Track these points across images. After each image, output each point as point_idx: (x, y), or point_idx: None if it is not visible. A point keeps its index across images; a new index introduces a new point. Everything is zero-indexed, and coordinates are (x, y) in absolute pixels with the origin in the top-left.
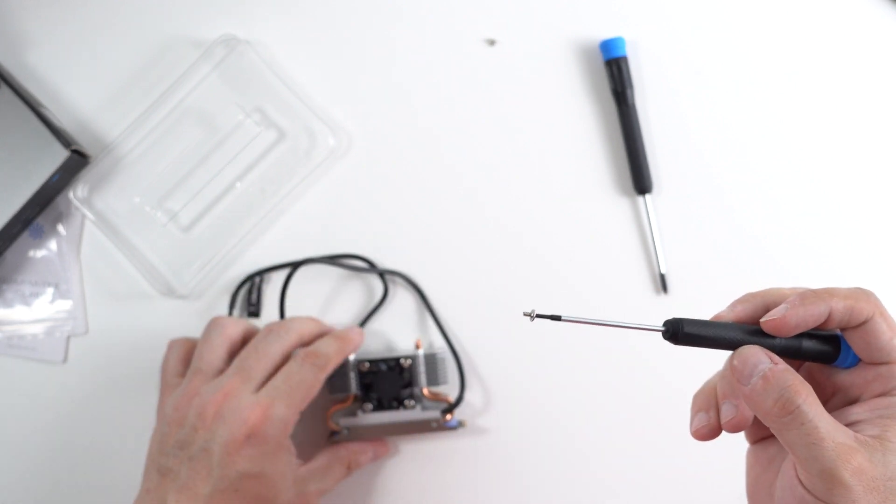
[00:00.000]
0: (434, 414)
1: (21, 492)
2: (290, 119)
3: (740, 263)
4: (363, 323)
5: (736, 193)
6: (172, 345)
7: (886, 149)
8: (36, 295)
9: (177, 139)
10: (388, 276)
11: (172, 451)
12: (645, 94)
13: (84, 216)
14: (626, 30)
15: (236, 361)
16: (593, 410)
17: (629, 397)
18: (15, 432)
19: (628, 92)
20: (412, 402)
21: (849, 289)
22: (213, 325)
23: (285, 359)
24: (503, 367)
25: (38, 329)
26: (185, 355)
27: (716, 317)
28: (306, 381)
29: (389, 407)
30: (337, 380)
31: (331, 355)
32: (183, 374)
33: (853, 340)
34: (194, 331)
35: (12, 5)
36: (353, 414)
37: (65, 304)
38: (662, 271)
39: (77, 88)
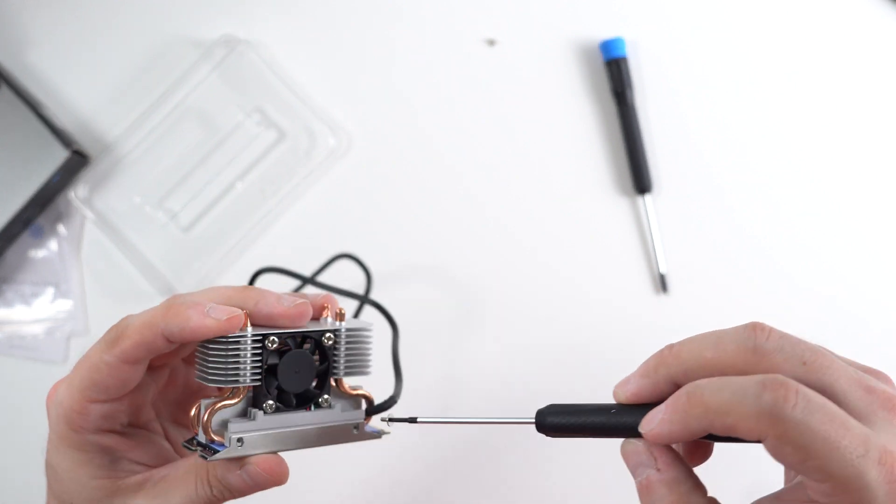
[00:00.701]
0: (356, 416)
1: (21, 491)
2: (290, 119)
3: (740, 263)
4: None
5: (736, 193)
6: None
7: (886, 149)
8: (36, 295)
9: (177, 139)
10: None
11: None
12: (645, 94)
13: (84, 216)
14: (626, 30)
15: None
16: None
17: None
18: (15, 432)
19: (628, 92)
20: (328, 400)
21: (729, 394)
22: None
23: None
24: (497, 367)
25: (38, 329)
26: None
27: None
28: (89, 358)
29: (299, 406)
30: (214, 358)
31: (127, 329)
32: None
33: None
34: None
35: (12, 5)
36: (247, 415)
37: (65, 304)
38: (662, 271)
39: (77, 88)
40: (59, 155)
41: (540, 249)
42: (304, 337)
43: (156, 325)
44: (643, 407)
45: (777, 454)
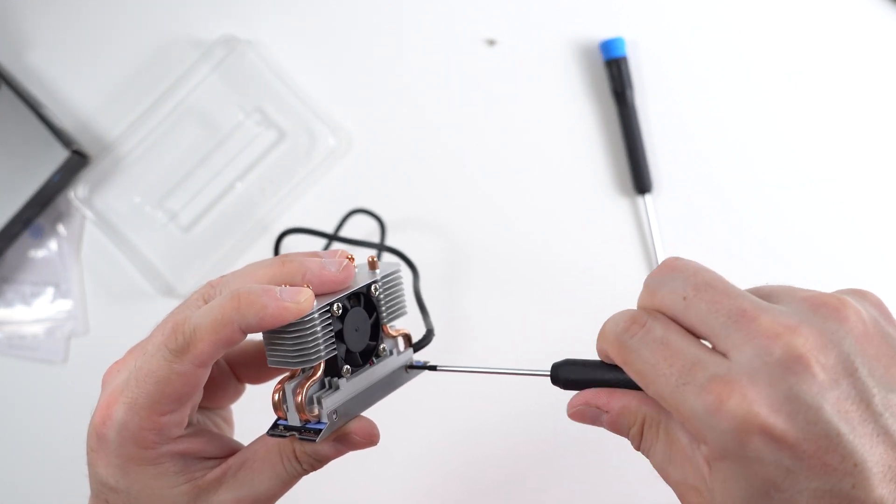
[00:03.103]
0: (407, 355)
1: (21, 491)
2: (290, 119)
3: (741, 263)
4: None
5: (736, 193)
6: None
7: (885, 148)
8: (36, 295)
9: (177, 139)
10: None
11: None
12: (645, 94)
13: (84, 216)
14: (626, 30)
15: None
16: None
17: None
18: (15, 432)
19: (628, 92)
20: (385, 348)
21: (611, 322)
22: None
23: None
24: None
25: (38, 329)
26: None
27: None
28: (154, 373)
29: (364, 361)
30: (296, 343)
31: (197, 331)
32: None
33: None
34: None
35: (13, 5)
36: (328, 386)
37: (65, 304)
38: None
39: (77, 88)
40: (59, 155)
41: (540, 249)
42: (353, 296)
43: (231, 322)
44: None
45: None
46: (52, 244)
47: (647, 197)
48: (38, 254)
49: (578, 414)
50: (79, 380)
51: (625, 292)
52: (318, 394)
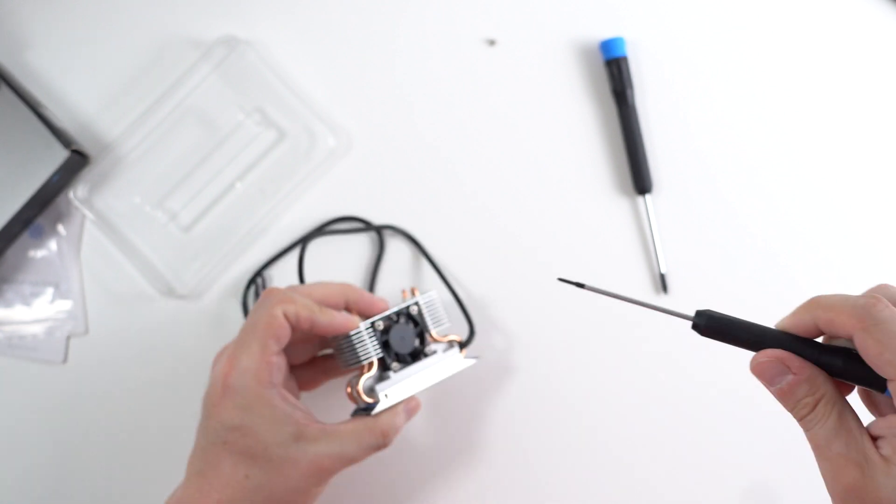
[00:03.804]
0: (454, 352)
1: (21, 492)
2: (290, 119)
3: (740, 263)
4: (371, 286)
5: (736, 193)
6: None
7: (886, 148)
8: (36, 295)
9: (177, 139)
10: (385, 232)
11: None
12: (645, 94)
13: (84, 216)
14: (626, 30)
15: None
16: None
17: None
18: (15, 432)
19: (628, 92)
20: (433, 348)
21: (839, 297)
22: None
23: None
24: (496, 365)
25: (38, 329)
26: None
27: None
28: (260, 320)
29: (414, 360)
30: (348, 349)
31: (293, 295)
32: None
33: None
34: (194, 331)
35: (12, 5)
36: (384, 378)
37: (65, 304)
38: (662, 271)
39: (77, 88)
40: (59, 155)
41: (540, 249)
42: (399, 314)
43: (313, 310)
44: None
45: (861, 345)
46: (52, 244)
47: (647, 197)
48: (38, 254)
49: (761, 366)
50: (79, 380)
51: (625, 292)
52: (373, 383)
